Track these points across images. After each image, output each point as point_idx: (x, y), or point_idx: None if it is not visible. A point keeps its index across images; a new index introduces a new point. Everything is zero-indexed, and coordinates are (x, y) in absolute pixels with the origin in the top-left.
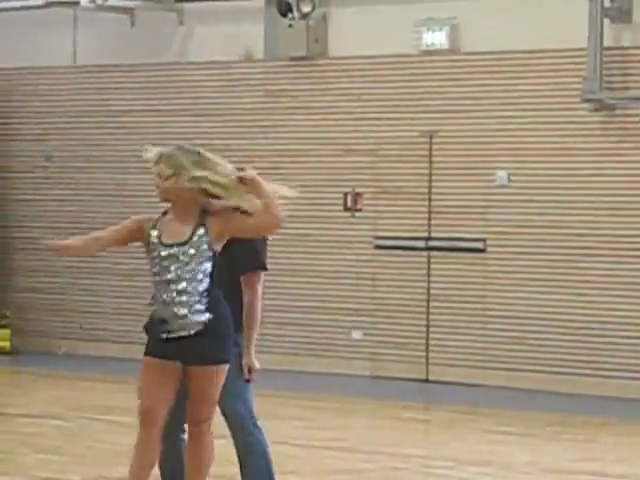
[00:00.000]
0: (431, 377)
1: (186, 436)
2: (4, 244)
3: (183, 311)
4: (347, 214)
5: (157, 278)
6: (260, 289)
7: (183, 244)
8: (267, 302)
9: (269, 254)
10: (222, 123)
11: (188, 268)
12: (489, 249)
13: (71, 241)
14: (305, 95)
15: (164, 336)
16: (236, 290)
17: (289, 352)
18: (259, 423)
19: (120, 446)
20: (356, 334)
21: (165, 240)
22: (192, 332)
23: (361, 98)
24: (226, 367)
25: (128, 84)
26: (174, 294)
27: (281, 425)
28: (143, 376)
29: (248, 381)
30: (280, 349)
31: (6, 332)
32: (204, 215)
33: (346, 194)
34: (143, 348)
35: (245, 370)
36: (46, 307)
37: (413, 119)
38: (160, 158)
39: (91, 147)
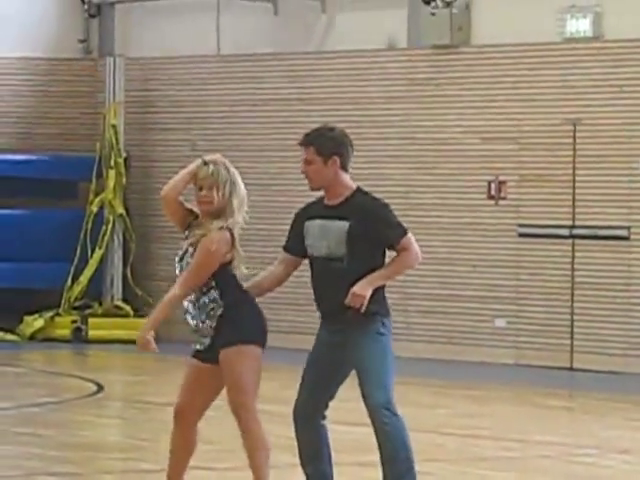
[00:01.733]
0: (575, 365)
1: (326, 421)
2: (147, 233)
3: (193, 322)
4: (491, 202)
5: None
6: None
7: None
8: (411, 290)
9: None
10: (365, 112)
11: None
12: (633, 237)
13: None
14: (448, 83)
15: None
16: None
17: (434, 340)
18: (398, 411)
19: (269, 435)
20: (500, 322)
21: None
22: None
23: (504, 86)
24: (248, 349)
25: (271, 73)
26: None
27: (427, 413)
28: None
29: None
30: (425, 337)
31: None
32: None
33: (490, 182)
34: (294, 338)
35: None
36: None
37: (557, 107)
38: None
39: (234, 136)
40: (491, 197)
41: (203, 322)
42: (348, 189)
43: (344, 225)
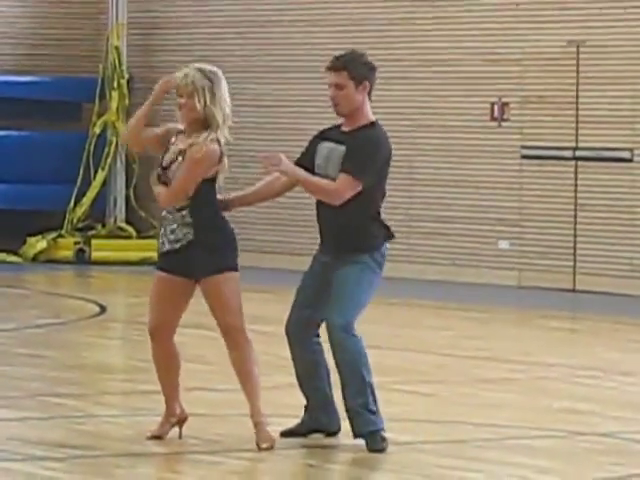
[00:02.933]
0: (578, 287)
1: (320, 339)
2: (149, 155)
3: (171, 227)
4: (494, 124)
5: None
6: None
7: None
8: (414, 212)
9: (416, 163)
10: (368, 33)
11: None
12: (636, 158)
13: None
14: (451, 4)
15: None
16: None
17: (436, 262)
18: (356, 332)
19: (266, 355)
20: (503, 244)
21: None
22: (177, 246)
23: (507, 7)
24: (233, 275)
25: None
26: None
27: (429, 335)
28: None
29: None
30: (428, 259)
31: (152, 243)
32: None
33: (493, 104)
34: (294, 258)
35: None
36: None
37: (560, 28)
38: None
39: (238, 58)
40: (494, 119)
41: (180, 231)
42: (366, 119)
43: (342, 150)
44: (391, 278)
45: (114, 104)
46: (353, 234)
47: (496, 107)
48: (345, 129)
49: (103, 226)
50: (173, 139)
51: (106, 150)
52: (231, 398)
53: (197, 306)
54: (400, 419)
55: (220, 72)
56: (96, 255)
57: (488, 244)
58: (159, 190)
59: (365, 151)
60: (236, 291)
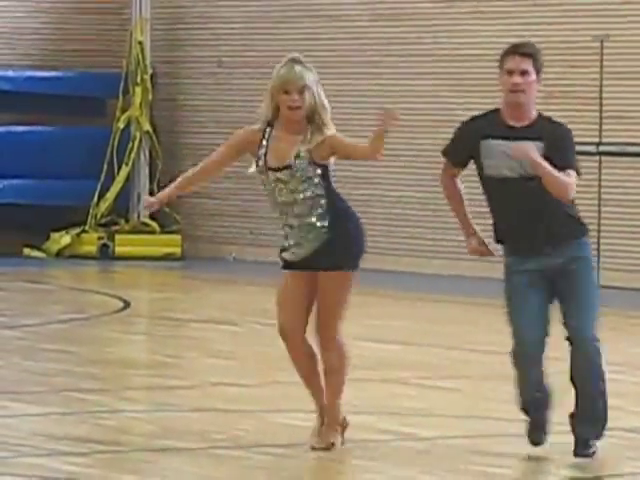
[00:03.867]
0: (602, 282)
1: None
2: (173, 150)
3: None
4: None
5: None
6: None
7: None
8: (443, 207)
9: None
10: (402, 28)
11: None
12: None
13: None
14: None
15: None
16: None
17: (453, 257)
18: None
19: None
20: None
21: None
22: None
23: (528, 2)
24: (352, 275)
25: None
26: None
27: (453, 330)
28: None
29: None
30: (445, 254)
31: (177, 238)
32: None
33: None
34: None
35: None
36: (216, 212)
37: (584, 23)
38: None
39: (262, 53)
40: None
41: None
42: (535, 112)
43: (539, 146)
44: (417, 273)
45: (137, 99)
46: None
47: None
48: (515, 124)
49: (127, 221)
50: (263, 140)
51: (130, 145)
52: (254, 393)
53: (212, 301)
54: (424, 414)
55: None
56: (120, 250)
57: None
58: None
59: (570, 144)
60: (349, 292)
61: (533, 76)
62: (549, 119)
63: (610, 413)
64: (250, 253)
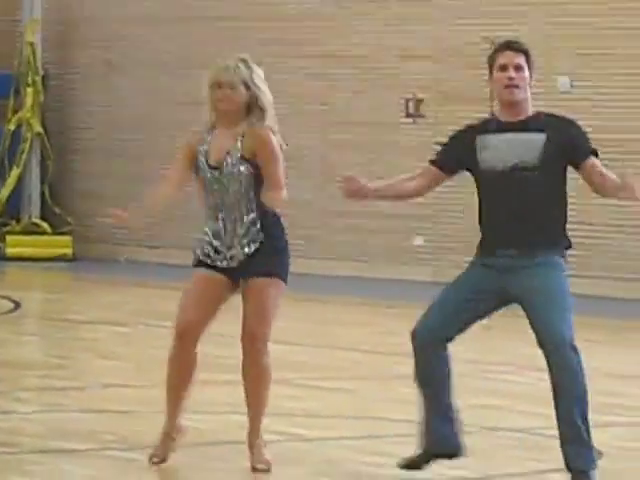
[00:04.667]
0: None
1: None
2: (64, 151)
3: (224, 241)
4: (409, 120)
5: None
6: None
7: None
8: (330, 208)
9: (334, 161)
10: (279, 30)
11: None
12: None
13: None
14: (369, 1)
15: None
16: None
17: (352, 258)
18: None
19: None
20: (418, 240)
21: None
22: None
23: (422, 3)
24: (282, 284)
25: None
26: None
27: (346, 331)
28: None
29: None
30: (343, 255)
31: (67, 239)
32: None
33: (407, 100)
34: None
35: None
36: (108, 213)
37: (476, 25)
38: None
39: (153, 54)
40: (409, 115)
41: (242, 247)
42: (531, 108)
43: (541, 138)
44: (306, 274)
45: (29, 100)
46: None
47: (410, 103)
48: (509, 119)
49: (17, 222)
50: (207, 138)
51: (21, 147)
52: (145, 395)
53: (103, 302)
54: (318, 415)
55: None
56: (10, 251)
57: (403, 240)
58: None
59: (583, 130)
60: (279, 301)
61: (525, 72)
62: (551, 113)
63: (499, 413)
64: (141, 254)
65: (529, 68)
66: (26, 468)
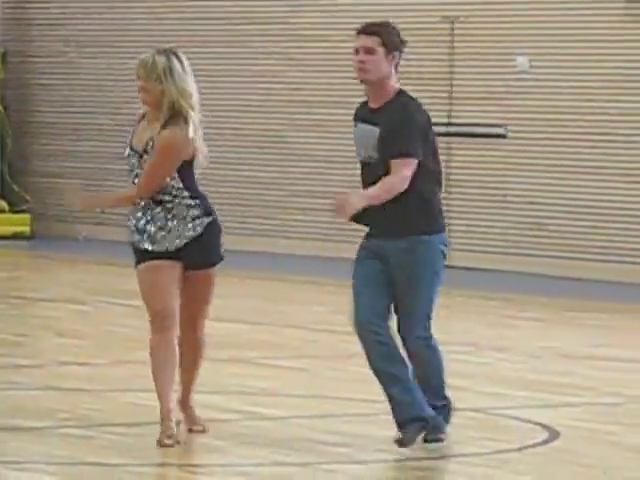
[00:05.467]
0: (451, 262)
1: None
2: (24, 129)
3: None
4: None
5: None
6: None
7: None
8: (292, 187)
9: (290, 140)
10: (238, 8)
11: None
12: (510, 135)
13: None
14: None
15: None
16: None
17: (315, 238)
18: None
19: (138, 330)
20: None
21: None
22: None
23: None
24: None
25: None
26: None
27: (301, 310)
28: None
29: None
30: (306, 234)
31: (26, 217)
32: None
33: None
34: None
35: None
36: (66, 190)
37: (434, 4)
38: None
39: (113, 32)
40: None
41: (158, 227)
42: (393, 92)
43: (376, 131)
44: (267, 253)
45: None
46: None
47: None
48: (373, 105)
49: None
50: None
51: None
52: (102, 373)
53: (61, 280)
54: (271, 394)
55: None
56: None
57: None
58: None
59: (401, 131)
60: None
61: (377, 54)
62: (401, 100)
63: (457, 393)
64: (100, 232)
65: (386, 46)
66: None
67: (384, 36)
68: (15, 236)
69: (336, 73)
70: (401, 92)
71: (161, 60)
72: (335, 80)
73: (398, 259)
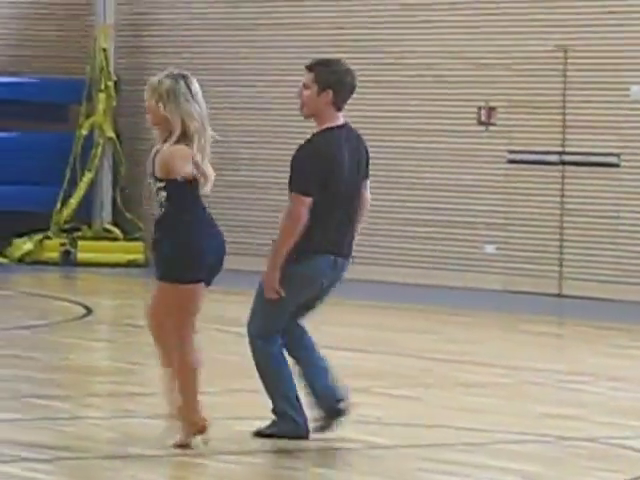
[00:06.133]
0: (564, 292)
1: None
2: (136, 156)
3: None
4: (481, 128)
5: None
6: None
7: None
8: (399, 215)
9: (402, 167)
10: (353, 36)
11: None
12: (623, 164)
13: None
14: (439, 9)
15: None
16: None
17: (423, 266)
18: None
19: (247, 358)
20: (489, 248)
21: None
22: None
23: (495, 12)
24: (164, 284)
25: None
26: None
27: (414, 338)
28: None
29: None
30: (414, 263)
31: (139, 245)
32: None
33: (480, 108)
34: None
35: None
36: None
37: (548, 33)
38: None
39: (226, 60)
40: (481, 123)
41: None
42: (318, 128)
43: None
44: (378, 281)
45: (101, 106)
46: None
47: (483, 111)
48: None
49: (89, 228)
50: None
51: (93, 152)
52: (214, 401)
53: None
54: (383, 423)
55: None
56: (82, 257)
57: (474, 248)
58: None
59: (295, 165)
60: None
61: (310, 90)
62: (315, 136)
63: (571, 423)
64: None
65: (318, 83)
66: (96, 474)
67: (317, 73)
68: (129, 264)
69: (449, 102)
70: (321, 132)
71: (167, 82)
72: (448, 109)
73: None
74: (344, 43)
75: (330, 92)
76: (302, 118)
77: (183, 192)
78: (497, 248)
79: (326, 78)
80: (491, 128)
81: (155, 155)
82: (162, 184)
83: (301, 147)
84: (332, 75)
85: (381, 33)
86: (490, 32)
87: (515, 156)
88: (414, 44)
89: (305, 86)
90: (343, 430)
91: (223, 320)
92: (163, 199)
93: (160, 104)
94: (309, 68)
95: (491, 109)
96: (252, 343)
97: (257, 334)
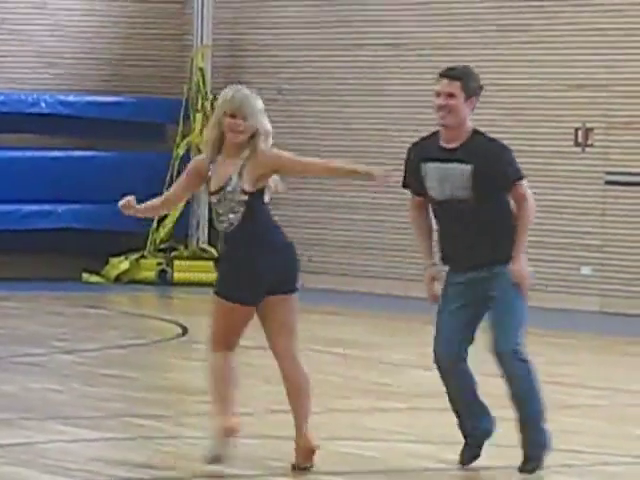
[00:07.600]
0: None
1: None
2: None
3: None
4: (578, 149)
5: None
6: None
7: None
8: None
9: None
10: (455, 57)
11: None
12: None
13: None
14: (536, 30)
15: None
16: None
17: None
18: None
19: (347, 378)
20: (585, 270)
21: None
22: None
23: (594, 32)
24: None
25: (361, 16)
26: None
27: None
28: None
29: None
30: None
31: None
32: None
33: (577, 129)
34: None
35: None
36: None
37: None
38: None
39: (322, 81)
40: (578, 144)
41: None
42: (469, 132)
43: (467, 169)
44: None
45: (198, 125)
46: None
47: (580, 133)
48: (448, 145)
49: (185, 247)
50: (210, 165)
51: None
52: (316, 422)
53: None
54: (492, 444)
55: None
56: (178, 276)
57: (571, 269)
58: None
59: (508, 158)
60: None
61: (458, 99)
62: (483, 136)
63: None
64: (310, 280)
65: (466, 91)
66: None
67: (465, 81)
68: None
69: (546, 123)
70: (476, 130)
71: (254, 97)
72: (545, 130)
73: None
74: (443, 64)
75: (474, 99)
76: (394, 139)
77: (261, 200)
78: (594, 269)
79: (472, 86)
80: (588, 149)
81: (242, 168)
82: (246, 197)
83: (496, 142)
84: (475, 83)
85: (479, 54)
86: (588, 53)
87: (612, 177)
88: (511, 64)
89: (450, 95)
90: (439, 452)
91: (320, 340)
92: (241, 212)
93: (251, 121)
94: (454, 77)
95: (588, 130)
96: (516, 358)
97: (522, 343)
